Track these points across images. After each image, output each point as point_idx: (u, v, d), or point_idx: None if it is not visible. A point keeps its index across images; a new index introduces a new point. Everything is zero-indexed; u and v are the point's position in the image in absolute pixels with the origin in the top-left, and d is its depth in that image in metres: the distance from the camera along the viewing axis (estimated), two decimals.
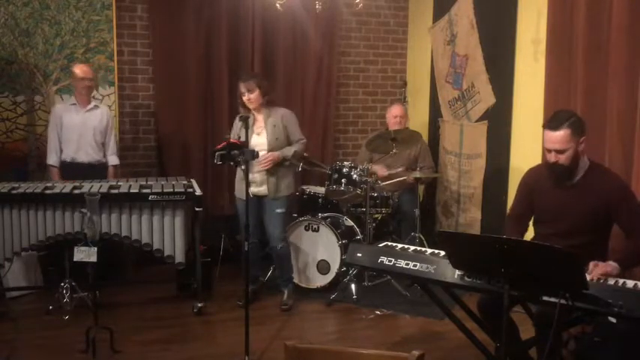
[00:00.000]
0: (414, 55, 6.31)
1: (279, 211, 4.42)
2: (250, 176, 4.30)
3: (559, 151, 2.94)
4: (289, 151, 4.38)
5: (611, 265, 2.76)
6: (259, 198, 4.42)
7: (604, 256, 2.97)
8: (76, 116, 4.74)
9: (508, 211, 3.36)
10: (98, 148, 4.80)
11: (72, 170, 4.69)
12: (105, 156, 4.86)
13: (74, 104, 4.79)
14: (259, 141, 4.34)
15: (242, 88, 4.30)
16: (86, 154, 4.75)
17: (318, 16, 5.54)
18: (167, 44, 5.46)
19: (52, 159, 4.73)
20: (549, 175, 3.08)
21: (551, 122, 2.97)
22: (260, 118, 4.40)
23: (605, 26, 3.78)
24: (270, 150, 4.33)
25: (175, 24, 5.44)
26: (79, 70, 4.74)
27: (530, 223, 3.28)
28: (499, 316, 2.59)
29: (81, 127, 4.73)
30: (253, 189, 4.37)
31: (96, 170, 4.73)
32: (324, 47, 5.90)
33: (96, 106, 4.84)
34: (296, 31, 5.79)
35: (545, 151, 3.02)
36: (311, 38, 5.82)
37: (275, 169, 4.37)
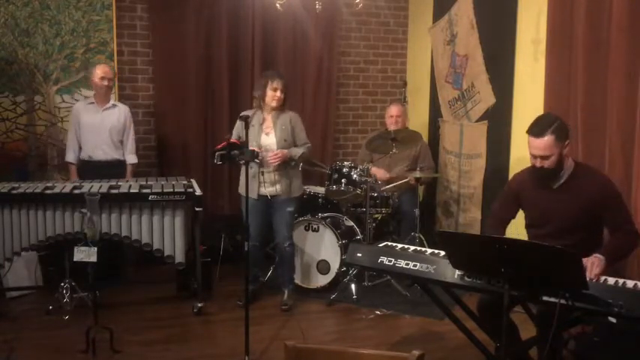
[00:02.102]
0: (414, 55, 6.31)
1: (289, 209, 4.45)
2: (262, 176, 4.32)
3: (543, 157, 2.95)
4: (297, 151, 4.41)
5: (599, 259, 2.77)
6: (268, 198, 4.42)
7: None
8: (94, 115, 4.77)
9: (491, 212, 3.38)
10: (115, 147, 4.81)
11: (89, 168, 4.75)
12: (123, 154, 4.87)
13: (92, 103, 4.83)
14: (268, 141, 4.36)
15: (277, 84, 4.31)
16: (103, 152, 4.77)
17: (318, 16, 5.54)
18: (167, 44, 5.46)
19: (70, 156, 4.81)
20: (534, 179, 3.09)
21: (535, 128, 2.96)
22: (269, 118, 4.40)
23: (605, 26, 3.78)
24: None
25: (175, 24, 5.45)
26: (99, 70, 4.78)
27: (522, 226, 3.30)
28: (499, 317, 2.60)
29: (97, 125, 4.75)
30: (264, 189, 4.37)
31: (113, 168, 4.74)
32: (324, 47, 5.90)
33: (114, 105, 4.86)
34: (296, 31, 5.79)
35: (530, 156, 3.02)
36: (311, 38, 5.83)
37: (286, 170, 4.39)
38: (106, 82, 4.76)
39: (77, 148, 4.79)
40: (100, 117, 4.78)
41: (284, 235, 4.50)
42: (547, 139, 2.92)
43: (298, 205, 4.61)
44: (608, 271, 2.76)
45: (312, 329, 4.20)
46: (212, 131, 5.62)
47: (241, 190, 4.49)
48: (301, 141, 4.48)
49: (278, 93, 4.32)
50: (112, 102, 4.87)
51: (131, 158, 4.92)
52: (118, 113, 4.84)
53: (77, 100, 5.21)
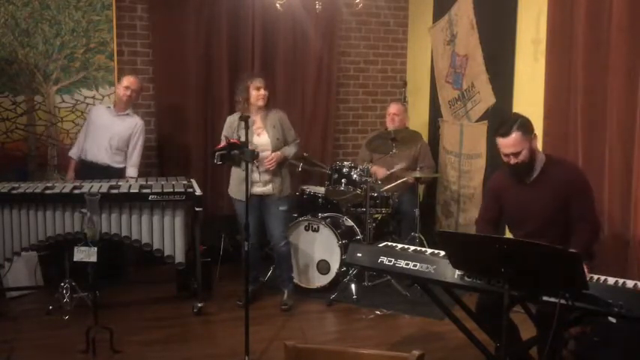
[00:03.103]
0: (414, 55, 6.31)
1: (282, 208, 4.47)
2: (255, 176, 4.33)
3: (515, 154, 3.07)
4: (290, 151, 4.47)
5: None
6: (261, 198, 4.42)
7: None
8: (104, 117, 4.80)
9: (477, 216, 3.45)
10: (112, 152, 4.77)
11: (83, 167, 4.81)
12: (121, 163, 4.82)
13: (109, 107, 4.90)
14: (261, 141, 4.36)
15: (259, 82, 4.36)
16: (98, 154, 4.76)
17: (318, 16, 5.54)
18: (167, 44, 5.46)
19: (72, 151, 4.91)
20: (511, 177, 3.19)
21: (501, 129, 3.11)
22: (258, 118, 4.42)
23: (605, 26, 3.78)
24: (273, 150, 4.36)
25: (175, 24, 5.44)
26: (125, 80, 4.83)
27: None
28: (498, 317, 2.60)
29: (102, 128, 4.76)
30: (257, 189, 4.38)
31: (102, 172, 4.68)
32: (324, 47, 5.90)
33: (128, 115, 4.85)
34: (296, 31, 5.79)
35: (503, 156, 3.14)
36: (311, 38, 5.82)
37: (279, 169, 4.42)
38: (128, 92, 4.78)
39: (82, 146, 4.84)
40: (110, 121, 4.78)
41: (279, 235, 4.50)
42: (514, 136, 3.05)
43: (290, 203, 4.62)
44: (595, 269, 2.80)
45: (312, 329, 4.20)
46: (212, 131, 5.62)
47: (231, 192, 4.50)
48: (291, 138, 4.52)
49: (262, 91, 4.36)
50: (128, 112, 4.86)
51: (131, 171, 4.85)
52: (129, 124, 4.83)
53: (77, 101, 5.24)
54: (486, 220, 3.34)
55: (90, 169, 4.72)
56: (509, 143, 3.06)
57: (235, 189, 4.45)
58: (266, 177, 4.39)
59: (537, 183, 3.13)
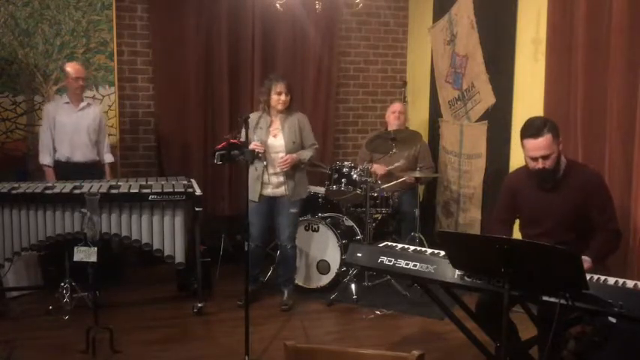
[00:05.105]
0: (414, 55, 6.31)
1: (293, 211, 4.47)
2: (266, 177, 4.33)
3: (545, 157, 2.99)
4: (306, 155, 4.43)
5: (587, 260, 2.81)
6: (272, 199, 4.42)
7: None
8: (70, 115, 4.72)
9: (493, 215, 3.42)
10: (93, 147, 4.78)
11: (67, 170, 4.66)
12: (99, 154, 4.84)
13: (67, 103, 4.76)
14: (276, 143, 4.37)
15: (281, 87, 4.33)
16: (82, 153, 4.73)
17: (318, 16, 5.54)
18: (167, 44, 5.46)
19: (47, 159, 4.69)
20: (535, 181, 3.12)
21: (531, 131, 3.00)
22: (277, 120, 4.42)
23: (605, 26, 3.78)
24: (287, 152, 4.35)
25: (175, 24, 5.45)
26: (72, 69, 4.71)
27: (516, 228, 3.33)
28: (497, 316, 2.60)
29: (75, 126, 4.71)
30: (269, 190, 4.39)
31: (91, 169, 4.70)
32: (324, 47, 5.91)
33: (88, 104, 4.83)
34: (296, 31, 5.79)
35: (529, 159, 3.05)
36: (311, 38, 5.83)
37: (293, 172, 4.40)
38: (81, 82, 4.72)
39: (52, 150, 4.69)
40: (76, 117, 4.72)
41: (287, 236, 4.51)
42: (546, 137, 2.97)
43: (302, 206, 4.61)
44: (596, 269, 2.81)
45: (312, 329, 4.20)
46: (212, 131, 5.63)
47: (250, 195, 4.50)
48: (309, 142, 4.49)
49: (282, 96, 4.34)
50: (85, 101, 4.83)
51: (108, 157, 4.88)
52: (94, 113, 4.81)
53: None
54: (503, 220, 3.31)
55: (77, 169, 4.63)
56: (539, 145, 2.97)
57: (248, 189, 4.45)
58: (279, 179, 4.39)
59: (559, 186, 3.08)
